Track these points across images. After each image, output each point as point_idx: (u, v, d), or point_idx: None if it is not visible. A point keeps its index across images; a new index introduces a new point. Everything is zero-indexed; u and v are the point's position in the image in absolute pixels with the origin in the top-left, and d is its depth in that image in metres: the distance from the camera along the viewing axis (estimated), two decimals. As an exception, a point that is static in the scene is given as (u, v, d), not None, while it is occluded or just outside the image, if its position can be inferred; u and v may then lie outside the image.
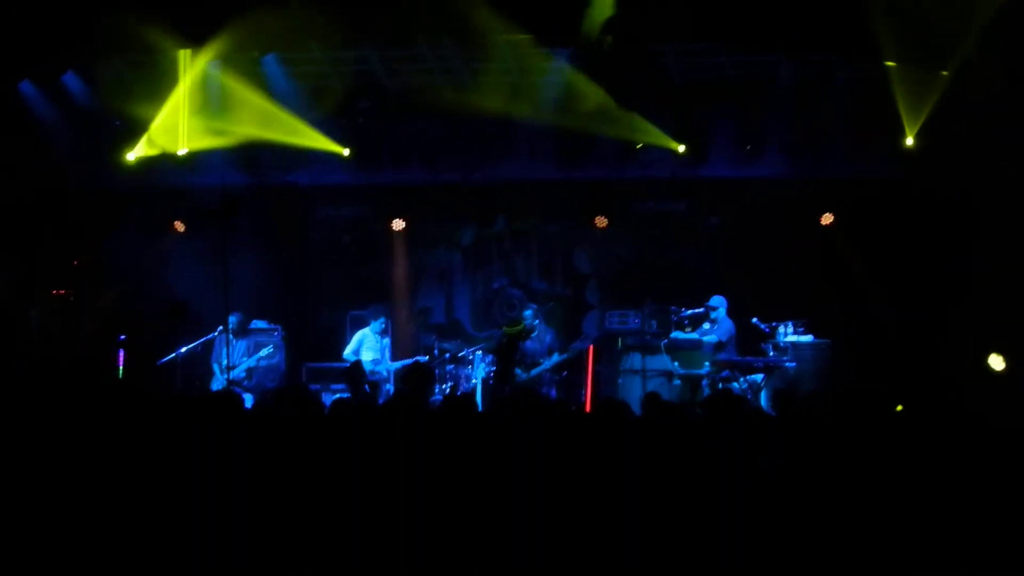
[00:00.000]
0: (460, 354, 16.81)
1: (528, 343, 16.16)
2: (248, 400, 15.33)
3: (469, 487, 7.00)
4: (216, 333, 15.88)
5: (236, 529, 6.88)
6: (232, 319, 15.53)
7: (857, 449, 7.22)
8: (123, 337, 15.94)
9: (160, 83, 16.40)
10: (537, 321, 16.39)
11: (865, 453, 7.18)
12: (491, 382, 16.26)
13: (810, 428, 7.82)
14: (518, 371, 15.90)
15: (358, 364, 14.89)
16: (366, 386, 14.26)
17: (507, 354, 15.74)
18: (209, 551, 6.86)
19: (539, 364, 16.15)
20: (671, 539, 6.77)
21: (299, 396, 8.58)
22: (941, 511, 6.75)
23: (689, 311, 16.17)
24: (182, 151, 16.97)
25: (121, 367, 15.74)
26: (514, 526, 6.79)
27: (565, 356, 16.42)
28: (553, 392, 16.10)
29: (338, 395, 15.51)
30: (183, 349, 15.56)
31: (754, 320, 15.86)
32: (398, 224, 18.53)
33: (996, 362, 15.14)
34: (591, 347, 16.60)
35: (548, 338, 16.49)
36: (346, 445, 7.29)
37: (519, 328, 15.94)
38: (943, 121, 15.15)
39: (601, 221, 18.16)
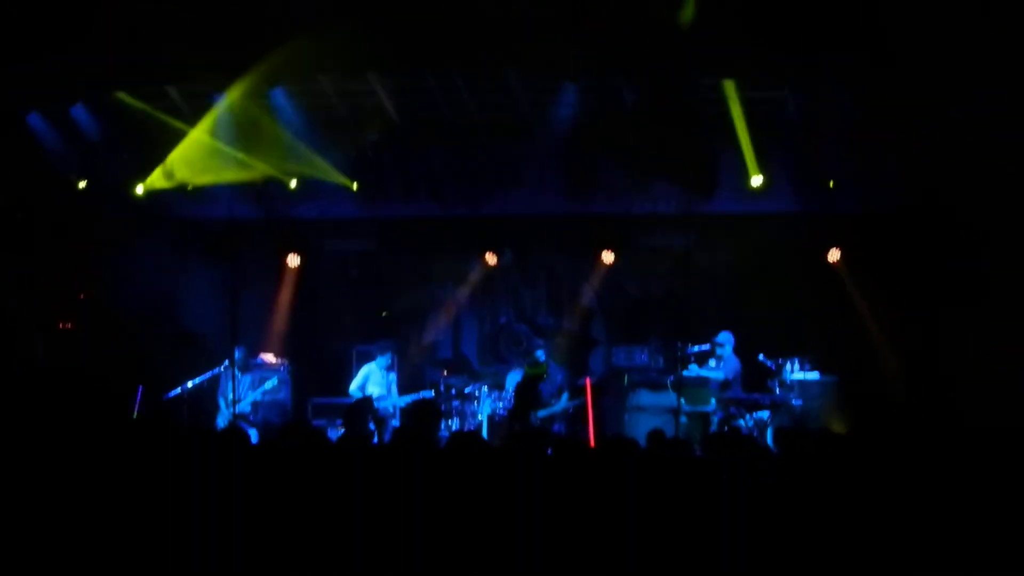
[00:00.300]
0: (466, 390, 16.80)
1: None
2: (253, 435, 15.31)
3: (471, 522, 6.98)
4: (221, 368, 15.89)
5: (239, 568, 6.86)
6: (237, 353, 15.53)
7: (859, 485, 7.21)
8: (141, 388, 15.86)
9: (169, 115, 16.48)
10: (543, 358, 16.36)
11: (866, 487, 7.18)
12: (497, 419, 16.26)
13: (811, 467, 7.81)
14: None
15: (365, 401, 14.87)
16: (371, 423, 14.23)
17: (525, 395, 15.69)
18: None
19: (550, 405, 16.10)
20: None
21: (303, 432, 8.58)
22: (943, 521, 6.75)
23: (695, 347, 16.14)
24: (190, 183, 17.06)
25: (136, 409, 15.73)
26: (515, 560, 6.78)
27: (575, 402, 16.38)
28: (562, 428, 16.08)
29: (343, 431, 15.48)
30: (189, 384, 15.59)
31: (760, 357, 15.86)
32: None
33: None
34: (587, 381, 16.56)
35: (559, 377, 16.45)
36: (350, 481, 7.28)
37: (541, 370, 15.90)
38: (957, 139, 15.21)
39: (608, 258, 18.12)
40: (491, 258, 18.44)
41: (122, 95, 15.97)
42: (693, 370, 16.01)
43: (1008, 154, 14.65)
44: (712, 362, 16.13)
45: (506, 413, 16.19)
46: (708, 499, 7.07)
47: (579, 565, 6.79)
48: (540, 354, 16.34)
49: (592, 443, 15.50)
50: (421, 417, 11.27)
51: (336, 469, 7.44)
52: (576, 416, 16.37)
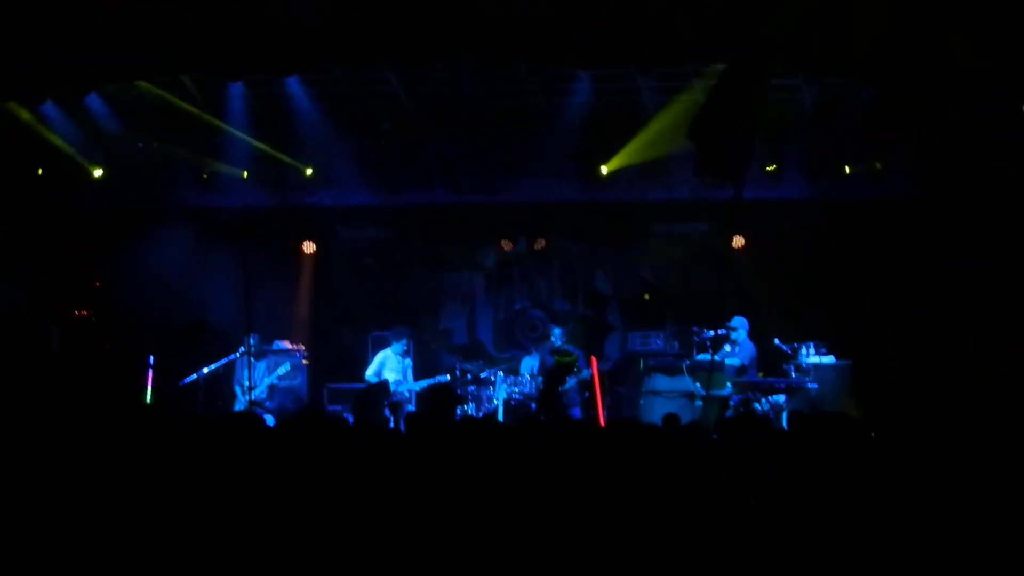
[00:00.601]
0: (482, 375, 16.84)
1: (551, 361, 16.18)
2: (269, 421, 15.32)
3: (475, 507, 6.97)
4: (237, 355, 15.94)
5: (249, 554, 6.86)
6: (251, 340, 15.57)
7: (863, 467, 7.19)
8: (152, 359, 15.98)
9: (182, 103, 16.54)
10: (560, 342, 16.40)
11: (874, 470, 7.16)
12: (513, 403, 16.29)
13: (819, 448, 7.79)
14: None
15: (380, 386, 14.92)
16: (386, 409, 14.26)
17: (553, 384, 15.67)
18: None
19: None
20: (674, 562, 6.74)
21: (316, 418, 8.58)
22: (945, 519, 6.73)
23: (710, 332, 16.14)
24: (206, 171, 17.17)
25: (149, 388, 15.81)
26: (515, 542, 6.77)
27: (587, 372, 16.44)
28: (578, 412, 16.12)
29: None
30: (204, 370, 15.65)
31: (776, 341, 15.86)
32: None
33: None
34: (593, 360, 16.55)
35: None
36: (354, 467, 7.27)
37: (571, 359, 15.88)
38: (957, 139, 15.23)
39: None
40: (506, 245, 18.54)
41: (139, 84, 16.02)
42: (708, 355, 16.06)
43: (1008, 153, 14.66)
44: (727, 347, 16.14)
45: (524, 399, 16.19)
46: (715, 483, 7.06)
47: (581, 547, 6.78)
48: (557, 332, 16.39)
49: (601, 422, 15.60)
50: (437, 401, 11.32)
51: (342, 455, 7.43)
52: (590, 400, 16.41)
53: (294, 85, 16.43)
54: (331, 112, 16.88)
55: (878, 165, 16.65)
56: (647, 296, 18.36)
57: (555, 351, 16.18)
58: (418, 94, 16.89)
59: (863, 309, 16.65)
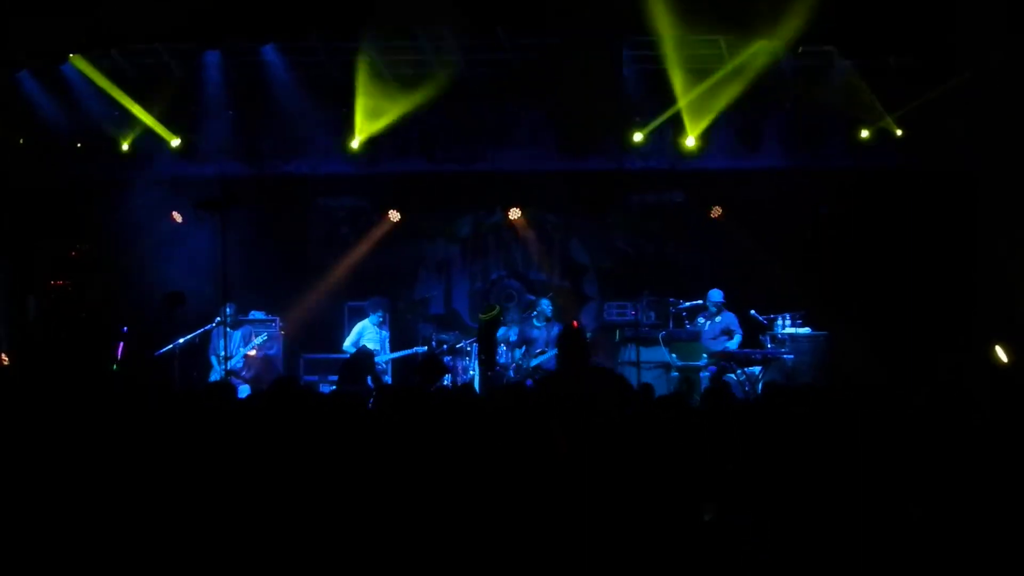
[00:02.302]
0: (458, 345, 16.81)
1: (534, 331, 16.17)
2: (244, 391, 15.26)
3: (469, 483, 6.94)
4: (212, 325, 15.89)
5: (228, 525, 6.83)
6: (228, 310, 15.52)
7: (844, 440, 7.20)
8: (125, 329, 15.92)
9: (157, 73, 16.48)
10: (549, 310, 16.36)
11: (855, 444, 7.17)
12: (489, 373, 16.29)
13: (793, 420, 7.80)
14: (519, 360, 15.93)
15: (367, 355, 14.87)
16: (368, 378, 14.19)
17: (485, 341, 15.58)
18: (200, 547, 6.81)
19: (544, 353, 16.11)
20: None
21: (291, 389, 8.55)
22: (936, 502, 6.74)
23: (687, 303, 16.19)
24: (179, 141, 17.11)
25: (119, 358, 15.75)
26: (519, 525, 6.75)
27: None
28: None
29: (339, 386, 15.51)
30: (180, 340, 15.58)
31: (752, 312, 15.89)
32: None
33: (1002, 354, 15.10)
34: (574, 324, 16.53)
35: (555, 330, 16.41)
36: (347, 437, 7.25)
37: (493, 314, 15.80)
38: (941, 107, 15.27)
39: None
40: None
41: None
42: (691, 326, 16.13)
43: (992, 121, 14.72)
44: (700, 319, 16.17)
45: (501, 369, 16.17)
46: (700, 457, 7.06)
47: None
48: (545, 303, 16.35)
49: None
50: (428, 372, 11.41)
51: (330, 428, 7.41)
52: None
53: (270, 54, 16.36)
54: (307, 81, 16.80)
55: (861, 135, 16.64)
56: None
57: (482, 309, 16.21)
58: (394, 62, 16.82)
59: (840, 280, 16.72)
